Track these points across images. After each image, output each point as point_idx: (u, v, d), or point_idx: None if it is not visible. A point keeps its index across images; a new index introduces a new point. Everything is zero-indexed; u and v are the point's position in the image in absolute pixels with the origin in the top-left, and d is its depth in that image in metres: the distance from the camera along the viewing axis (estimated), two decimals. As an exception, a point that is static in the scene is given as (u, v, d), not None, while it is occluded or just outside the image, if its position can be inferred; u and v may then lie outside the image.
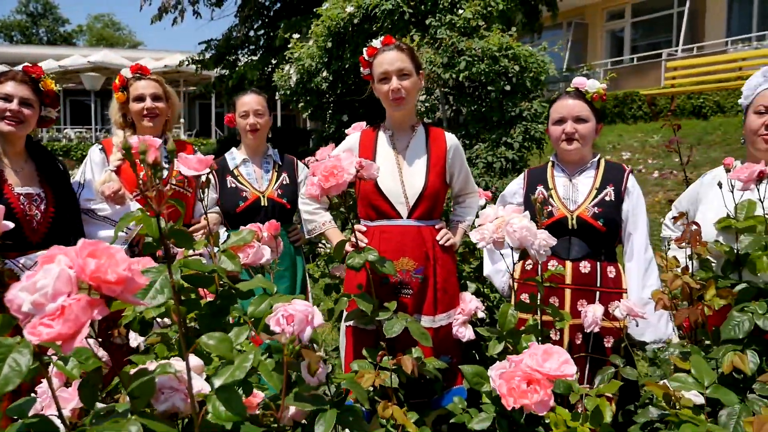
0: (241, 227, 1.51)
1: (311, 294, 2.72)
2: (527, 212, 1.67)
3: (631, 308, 1.85)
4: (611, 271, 2.08)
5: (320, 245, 3.01)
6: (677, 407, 1.39)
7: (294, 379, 1.26)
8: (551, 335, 2.03)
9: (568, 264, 2.07)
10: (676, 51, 13.58)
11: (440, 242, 2.11)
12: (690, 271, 1.71)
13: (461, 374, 1.76)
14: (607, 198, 2.08)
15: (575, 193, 2.11)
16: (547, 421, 1.54)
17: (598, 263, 2.07)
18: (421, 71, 2.18)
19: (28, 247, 2.06)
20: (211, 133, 21.54)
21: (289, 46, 4.64)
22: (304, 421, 1.24)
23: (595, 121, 2.14)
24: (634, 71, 14.39)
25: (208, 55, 10.89)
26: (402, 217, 2.08)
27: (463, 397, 1.79)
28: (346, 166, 1.67)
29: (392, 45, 2.11)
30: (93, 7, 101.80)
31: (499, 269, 2.29)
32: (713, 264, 1.81)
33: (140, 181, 0.80)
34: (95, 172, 2.45)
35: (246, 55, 10.79)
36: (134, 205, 2.35)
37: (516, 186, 2.30)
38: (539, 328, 1.79)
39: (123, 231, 2.33)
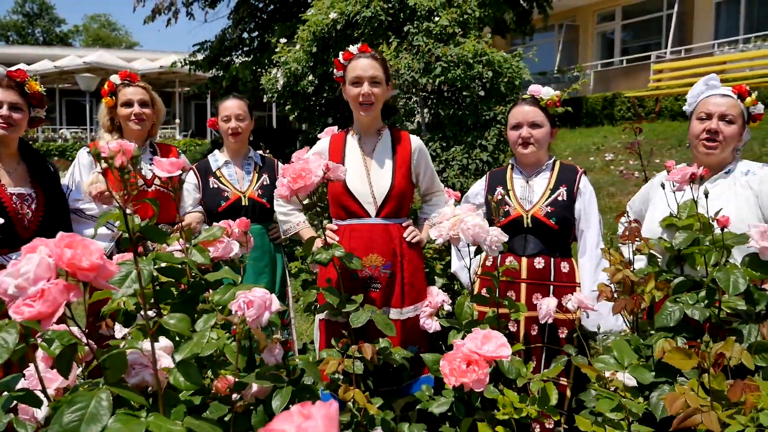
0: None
1: (290, 290, 2.85)
2: (481, 211, 1.82)
3: (582, 301, 1.99)
4: (565, 267, 2.21)
5: (297, 247, 3.14)
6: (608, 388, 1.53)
7: (258, 363, 1.40)
8: (509, 327, 2.17)
9: (524, 260, 2.21)
10: (665, 53, 13.70)
11: (407, 239, 2.23)
12: (632, 266, 1.86)
13: (427, 363, 1.89)
14: (560, 198, 2.21)
15: (531, 193, 2.25)
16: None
17: (552, 259, 2.20)
18: (390, 82, 2.30)
19: (19, 244, 2.17)
20: (207, 134, 21.59)
21: (276, 50, 4.76)
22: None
23: (550, 126, 2.27)
24: (624, 73, 14.52)
25: (201, 57, 10.99)
26: (370, 216, 2.20)
27: (431, 385, 1.93)
28: (313, 169, 1.81)
29: (368, 53, 2.23)
30: (89, 8, 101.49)
31: (464, 266, 2.42)
32: (659, 259, 1.95)
33: (107, 183, 0.93)
34: (83, 173, 2.57)
35: (240, 57, 10.90)
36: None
37: (479, 187, 2.43)
38: (497, 319, 1.94)
39: (109, 229, 2.47)
